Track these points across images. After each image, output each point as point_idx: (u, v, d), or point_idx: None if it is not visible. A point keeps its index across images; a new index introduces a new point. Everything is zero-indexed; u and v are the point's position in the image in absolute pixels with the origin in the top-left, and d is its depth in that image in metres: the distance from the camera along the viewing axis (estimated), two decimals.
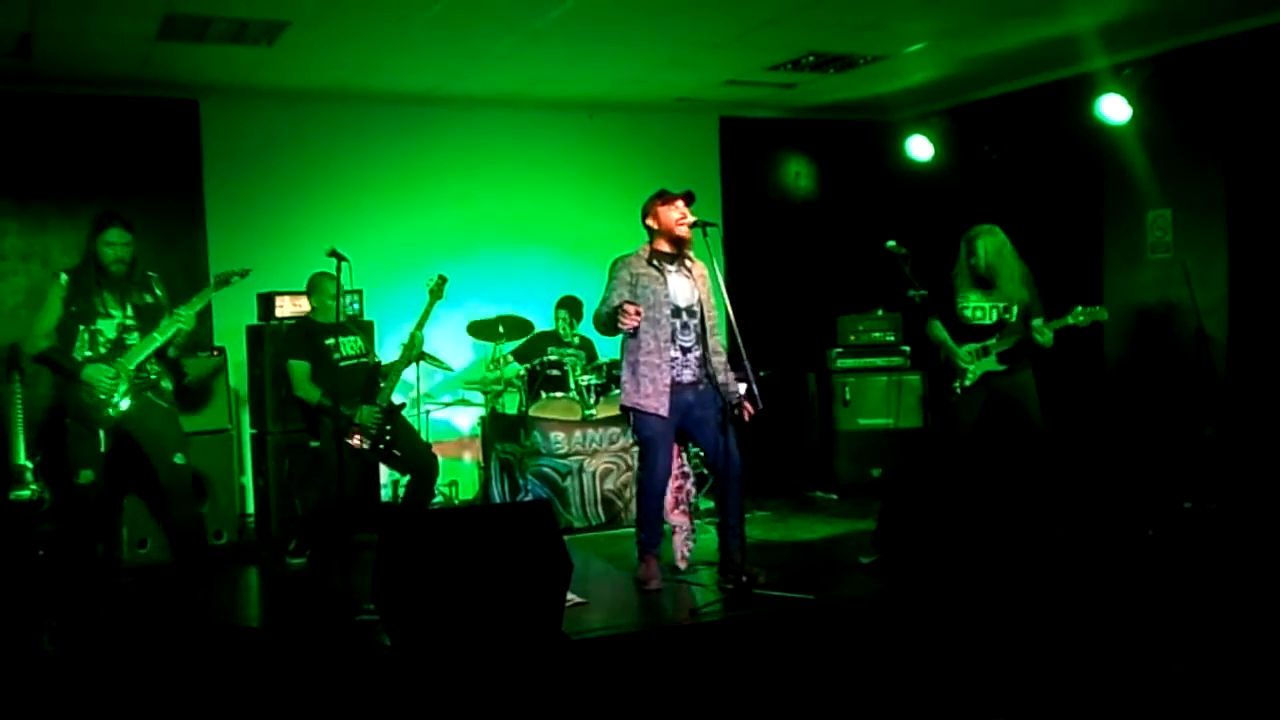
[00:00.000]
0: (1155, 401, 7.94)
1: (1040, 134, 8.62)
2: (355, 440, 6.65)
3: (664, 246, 5.96)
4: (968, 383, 6.78)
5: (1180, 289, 7.35)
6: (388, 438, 6.74)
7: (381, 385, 6.79)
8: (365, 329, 7.05)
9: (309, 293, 6.93)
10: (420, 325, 6.91)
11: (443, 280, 6.90)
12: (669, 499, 6.32)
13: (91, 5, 6.23)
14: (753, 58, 7.92)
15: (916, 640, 5.10)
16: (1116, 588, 5.66)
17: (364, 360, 6.90)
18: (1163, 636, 4.95)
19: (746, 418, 5.94)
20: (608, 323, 5.84)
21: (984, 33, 7.43)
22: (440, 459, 7.74)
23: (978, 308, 6.76)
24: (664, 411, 5.83)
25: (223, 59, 7.35)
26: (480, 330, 8.29)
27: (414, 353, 6.96)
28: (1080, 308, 6.45)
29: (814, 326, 9.30)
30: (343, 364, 6.77)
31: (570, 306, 8.31)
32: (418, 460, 6.90)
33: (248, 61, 7.43)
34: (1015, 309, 6.69)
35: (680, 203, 5.92)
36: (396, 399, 6.86)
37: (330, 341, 6.79)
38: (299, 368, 6.74)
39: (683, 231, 5.91)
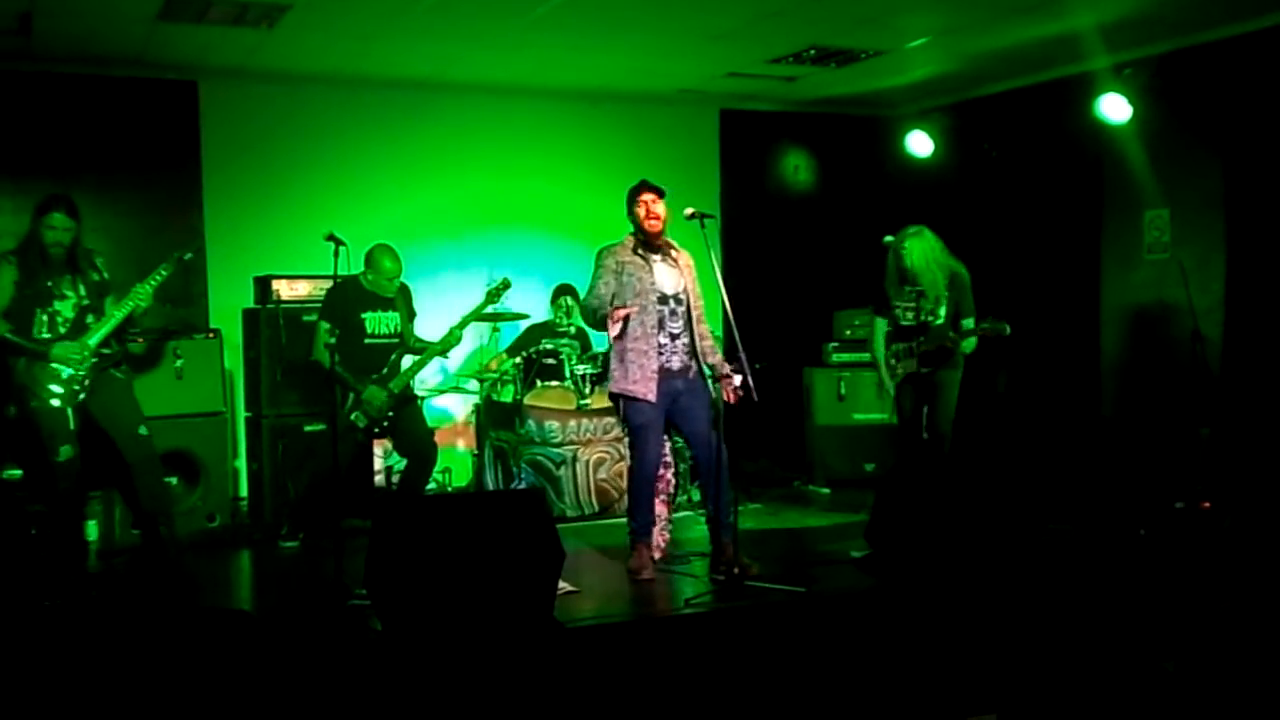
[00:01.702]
0: (1150, 401, 7.95)
1: (1040, 132, 8.62)
2: (354, 418, 6.65)
3: (643, 236, 5.97)
4: (895, 381, 6.85)
5: (1177, 289, 7.36)
6: (385, 423, 6.72)
7: (401, 369, 6.77)
8: (407, 306, 6.96)
9: (366, 261, 6.77)
10: (465, 324, 6.88)
11: (505, 285, 6.88)
12: None
13: None
14: (754, 50, 7.91)
15: (907, 635, 5.11)
16: (1107, 586, 5.67)
17: (392, 341, 6.85)
18: (1153, 635, 4.96)
19: (732, 399, 5.95)
20: (596, 319, 5.91)
21: (986, 29, 7.42)
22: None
23: (907, 309, 6.76)
24: (652, 397, 5.85)
25: (223, 41, 7.34)
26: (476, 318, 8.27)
27: (449, 346, 6.88)
28: (988, 320, 6.44)
29: (810, 321, 9.31)
30: (368, 340, 6.74)
31: (573, 294, 8.33)
32: (418, 446, 6.88)
33: (248, 44, 7.42)
34: (941, 310, 6.67)
35: (646, 196, 5.91)
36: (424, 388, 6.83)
37: (366, 315, 6.75)
38: (319, 328, 6.68)
39: (650, 227, 5.92)
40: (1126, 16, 7.09)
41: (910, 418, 6.86)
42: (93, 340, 5.97)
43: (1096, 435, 8.17)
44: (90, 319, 6.02)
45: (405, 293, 6.95)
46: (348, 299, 6.71)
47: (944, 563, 5.78)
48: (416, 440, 6.88)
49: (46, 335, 5.92)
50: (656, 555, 6.32)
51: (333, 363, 6.25)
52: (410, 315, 6.96)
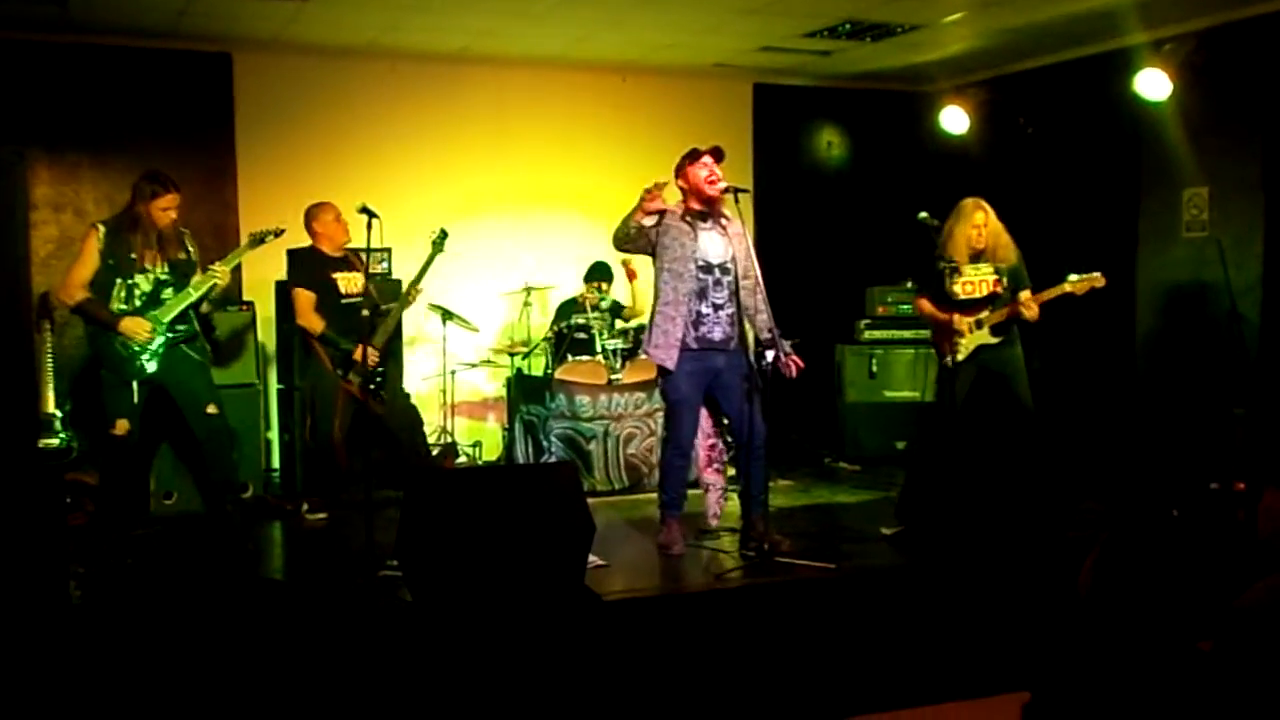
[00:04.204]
0: (1184, 381, 7.88)
1: (1077, 108, 8.52)
2: (350, 377, 6.69)
3: (695, 205, 5.93)
4: (960, 357, 6.50)
5: (1214, 268, 7.27)
6: (378, 379, 6.75)
7: (377, 327, 6.80)
8: (364, 266, 6.97)
9: (308, 221, 6.87)
10: (419, 279, 6.98)
11: (444, 234, 7.01)
12: (701, 457, 6.35)
13: None
14: (790, 24, 7.86)
15: (937, 612, 5.09)
16: (1137, 566, 5.63)
17: (362, 300, 6.85)
18: (1188, 615, 4.92)
19: (795, 373, 5.91)
20: (623, 225, 5.82)
21: (1023, 4, 7.34)
22: (464, 420, 7.77)
23: (968, 282, 6.52)
24: (670, 364, 5.81)
25: (257, 13, 7.34)
26: (508, 292, 8.29)
27: (408, 303, 7.05)
28: (1074, 275, 6.31)
29: (843, 297, 9.27)
30: (343, 301, 6.79)
31: (603, 273, 8.34)
32: (397, 405, 6.99)
33: (282, 16, 7.42)
34: (1005, 280, 6.51)
35: (708, 159, 5.86)
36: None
37: (336, 275, 6.82)
38: (305, 296, 6.74)
39: (712, 191, 5.85)
40: None
41: (957, 404, 6.55)
42: (164, 316, 6.03)
43: (1131, 414, 8.11)
44: (166, 294, 6.07)
45: (357, 255, 6.99)
46: (316, 262, 6.78)
47: (975, 540, 5.77)
48: (395, 398, 7.00)
49: (123, 307, 5.99)
50: (713, 523, 6.41)
51: (325, 327, 6.37)
52: (367, 272, 7.02)
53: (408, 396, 7.22)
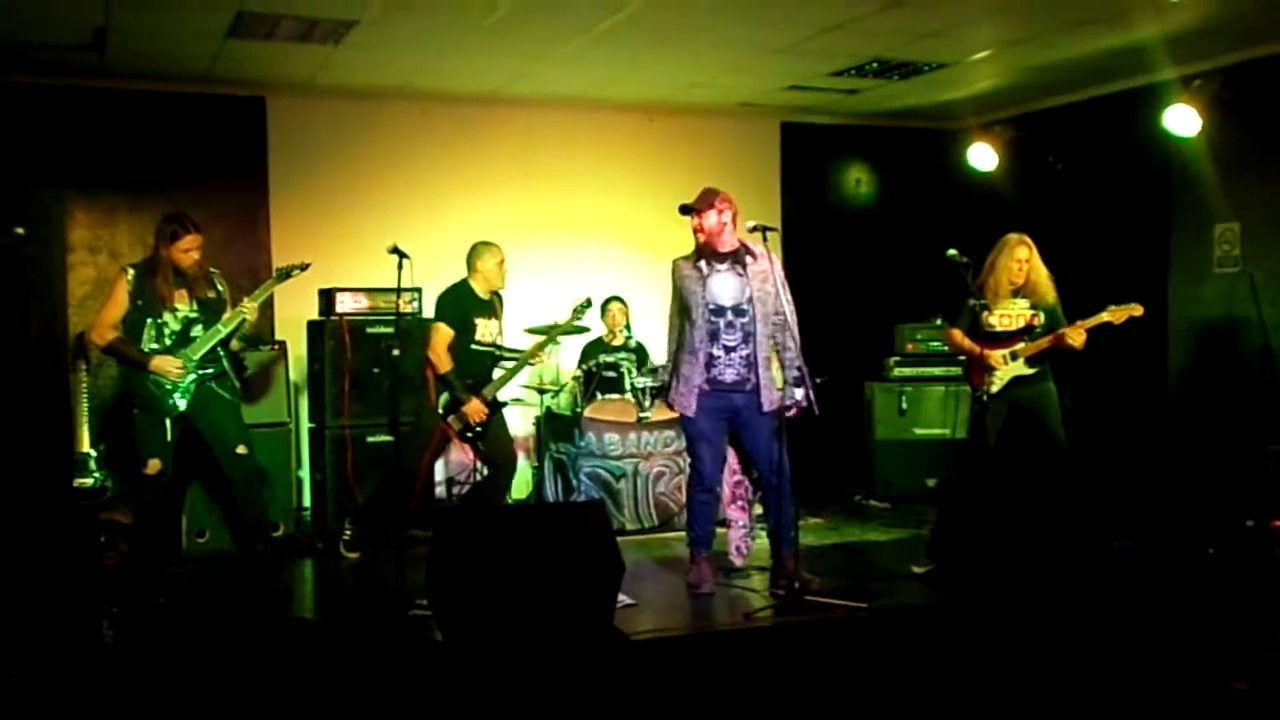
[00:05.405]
0: (1218, 417, 7.82)
1: (1106, 145, 8.52)
2: (451, 420, 6.70)
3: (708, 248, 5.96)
4: (994, 389, 6.41)
5: (1246, 303, 7.24)
6: (478, 429, 6.75)
7: (493, 378, 6.83)
8: (501, 311, 7.00)
9: (471, 258, 6.83)
10: (551, 338, 7.02)
11: (588, 303, 7.08)
12: (726, 493, 6.32)
13: (166, 1, 6.32)
14: (816, 64, 7.89)
15: (970, 651, 5.05)
16: (1175, 604, 5.59)
17: (491, 350, 6.88)
18: (1224, 655, 4.87)
19: (800, 413, 5.92)
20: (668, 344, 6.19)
21: (1050, 41, 7.35)
22: None
23: (1004, 315, 6.48)
24: (690, 411, 5.85)
25: (290, 57, 7.44)
26: (536, 331, 8.30)
27: (535, 360, 6.99)
28: (1112, 305, 6.26)
29: (872, 334, 9.26)
30: (473, 346, 6.78)
31: (619, 300, 8.37)
32: (501, 456, 6.92)
33: (314, 60, 7.52)
34: (1043, 315, 6.46)
35: (695, 218, 5.88)
36: (501, 395, 6.91)
37: (478, 319, 6.79)
38: (443, 332, 6.67)
39: (697, 240, 5.90)
40: (1193, 27, 7.00)
41: (992, 443, 6.43)
42: (194, 354, 6.09)
43: (1164, 451, 8.05)
44: (196, 331, 6.14)
45: (500, 300, 7.00)
46: (463, 301, 6.78)
47: (1008, 579, 5.72)
48: (499, 447, 6.91)
49: (154, 346, 6.06)
50: (738, 561, 6.39)
51: (451, 367, 6.49)
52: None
53: (511, 439, 7.18)
